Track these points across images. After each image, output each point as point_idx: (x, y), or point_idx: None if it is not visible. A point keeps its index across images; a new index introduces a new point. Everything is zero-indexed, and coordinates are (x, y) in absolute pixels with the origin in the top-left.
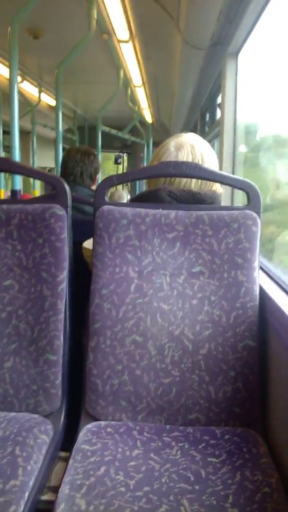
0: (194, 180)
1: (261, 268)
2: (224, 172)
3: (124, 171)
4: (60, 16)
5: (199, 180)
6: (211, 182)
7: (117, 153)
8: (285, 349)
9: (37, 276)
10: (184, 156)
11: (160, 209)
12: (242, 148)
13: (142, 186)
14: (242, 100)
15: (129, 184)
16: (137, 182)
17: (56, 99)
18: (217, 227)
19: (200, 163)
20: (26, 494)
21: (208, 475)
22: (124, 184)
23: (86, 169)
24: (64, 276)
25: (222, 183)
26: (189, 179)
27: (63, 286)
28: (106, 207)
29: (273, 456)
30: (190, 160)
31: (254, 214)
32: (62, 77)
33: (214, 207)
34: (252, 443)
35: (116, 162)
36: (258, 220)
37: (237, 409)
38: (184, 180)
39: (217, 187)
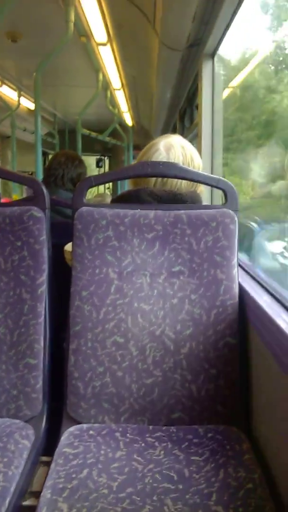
0: (184, 182)
1: (240, 266)
2: (201, 171)
3: None
4: (38, 19)
5: (190, 182)
6: (198, 183)
7: (98, 157)
8: (265, 346)
9: (15, 279)
10: (175, 157)
11: (139, 210)
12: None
13: (124, 187)
14: None
15: (111, 187)
16: (119, 183)
17: (35, 103)
18: (196, 226)
19: (189, 164)
20: (7, 500)
21: (191, 474)
22: (106, 187)
23: (68, 172)
24: (43, 279)
25: (199, 182)
26: (179, 181)
27: (43, 289)
28: (84, 208)
29: (256, 452)
30: (180, 161)
31: (232, 213)
32: (40, 81)
33: (192, 206)
34: (234, 440)
35: (98, 165)
36: (236, 218)
37: (220, 407)
38: (175, 181)
39: (202, 189)
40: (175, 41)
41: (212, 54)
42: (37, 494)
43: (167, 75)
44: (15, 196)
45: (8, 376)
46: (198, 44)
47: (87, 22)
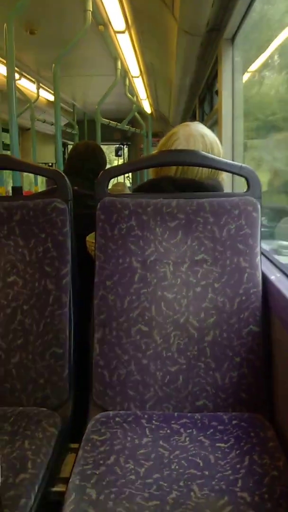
0: (205, 171)
1: (263, 254)
2: (222, 159)
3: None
4: (55, 10)
5: (211, 170)
6: (219, 171)
7: (117, 145)
8: None
9: (40, 270)
10: (195, 146)
11: (161, 199)
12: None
13: (144, 177)
14: None
15: (130, 176)
16: (138, 173)
17: (55, 94)
18: (218, 214)
19: (210, 152)
20: (36, 487)
21: (217, 460)
22: (126, 176)
23: (89, 163)
24: (67, 269)
25: (221, 169)
26: (200, 169)
27: (67, 279)
28: (107, 198)
29: (280, 440)
30: (200, 149)
31: (254, 200)
32: (59, 72)
33: (215, 195)
34: (259, 427)
35: (117, 154)
36: (259, 206)
37: (244, 394)
38: (196, 170)
39: (223, 177)
40: (194, 26)
41: (232, 39)
42: (65, 480)
43: (186, 61)
44: (36, 188)
45: (35, 365)
46: (218, 29)
47: (105, 10)
